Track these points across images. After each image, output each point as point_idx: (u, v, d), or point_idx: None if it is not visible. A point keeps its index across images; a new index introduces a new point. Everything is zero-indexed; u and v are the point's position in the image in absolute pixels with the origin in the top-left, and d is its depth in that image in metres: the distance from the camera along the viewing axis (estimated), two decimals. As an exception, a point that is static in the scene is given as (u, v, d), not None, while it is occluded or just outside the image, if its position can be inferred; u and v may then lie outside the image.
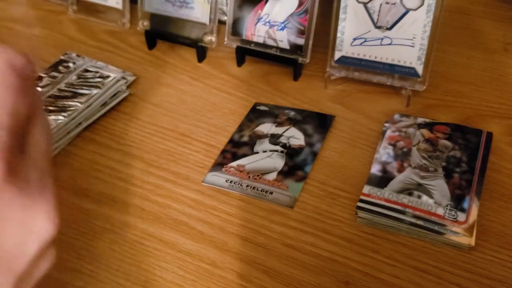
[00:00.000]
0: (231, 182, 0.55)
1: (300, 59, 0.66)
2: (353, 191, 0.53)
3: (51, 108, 0.62)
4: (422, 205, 0.50)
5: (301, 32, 0.65)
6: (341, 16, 0.62)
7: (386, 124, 0.59)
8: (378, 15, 0.61)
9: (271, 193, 0.54)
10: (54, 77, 0.67)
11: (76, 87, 0.65)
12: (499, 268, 0.46)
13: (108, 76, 0.66)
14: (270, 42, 0.67)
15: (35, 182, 0.20)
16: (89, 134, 0.62)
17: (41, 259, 0.21)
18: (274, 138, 0.60)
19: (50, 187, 0.21)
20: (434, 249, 0.48)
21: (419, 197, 0.50)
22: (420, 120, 0.59)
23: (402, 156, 0.55)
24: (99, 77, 0.66)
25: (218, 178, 0.56)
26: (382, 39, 0.62)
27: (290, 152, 0.58)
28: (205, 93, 0.67)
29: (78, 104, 0.62)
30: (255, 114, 0.63)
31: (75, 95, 0.64)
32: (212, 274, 0.48)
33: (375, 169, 0.54)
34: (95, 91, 0.64)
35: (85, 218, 0.53)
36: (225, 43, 0.70)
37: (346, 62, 0.64)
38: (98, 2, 0.79)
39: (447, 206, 0.49)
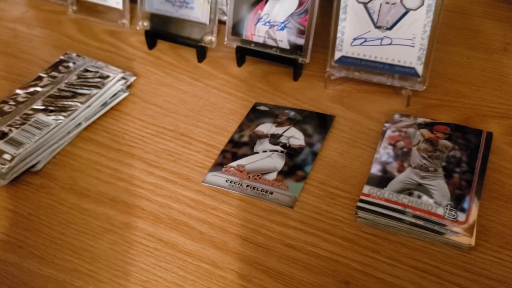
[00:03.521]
0: (231, 182, 0.55)
1: (300, 59, 0.66)
2: (353, 191, 0.53)
3: (51, 108, 0.62)
4: (422, 205, 0.50)
5: (301, 32, 0.65)
6: (341, 16, 0.62)
7: (386, 124, 0.59)
8: (378, 15, 0.61)
9: (271, 193, 0.54)
10: (54, 77, 0.67)
11: (76, 87, 0.65)
12: (499, 268, 0.46)
13: (108, 76, 0.66)
14: (270, 42, 0.67)
15: None
16: (89, 134, 0.62)
17: None
18: (274, 138, 0.60)
19: None
20: (434, 249, 0.48)
21: (419, 197, 0.50)
22: (420, 120, 0.59)
23: (402, 156, 0.55)
24: (99, 77, 0.66)
25: (218, 178, 0.56)
26: (382, 39, 0.62)
27: (290, 152, 0.58)
28: (205, 93, 0.67)
29: (78, 104, 0.62)
30: (255, 114, 0.63)
31: (75, 95, 0.64)
32: (212, 274, 0.48)
33: (375, 169, 0.54)
34: (95, 91, 0.64)
35: (85, 218, 0.53)
36: (225, 43, 0.70)
37: (346, 62, 0.64)
38: (98, 2, 0.79)
39: (447, 206, 0.49)
